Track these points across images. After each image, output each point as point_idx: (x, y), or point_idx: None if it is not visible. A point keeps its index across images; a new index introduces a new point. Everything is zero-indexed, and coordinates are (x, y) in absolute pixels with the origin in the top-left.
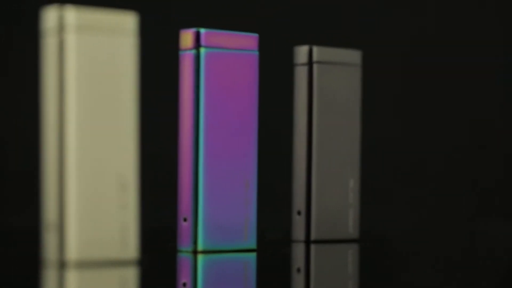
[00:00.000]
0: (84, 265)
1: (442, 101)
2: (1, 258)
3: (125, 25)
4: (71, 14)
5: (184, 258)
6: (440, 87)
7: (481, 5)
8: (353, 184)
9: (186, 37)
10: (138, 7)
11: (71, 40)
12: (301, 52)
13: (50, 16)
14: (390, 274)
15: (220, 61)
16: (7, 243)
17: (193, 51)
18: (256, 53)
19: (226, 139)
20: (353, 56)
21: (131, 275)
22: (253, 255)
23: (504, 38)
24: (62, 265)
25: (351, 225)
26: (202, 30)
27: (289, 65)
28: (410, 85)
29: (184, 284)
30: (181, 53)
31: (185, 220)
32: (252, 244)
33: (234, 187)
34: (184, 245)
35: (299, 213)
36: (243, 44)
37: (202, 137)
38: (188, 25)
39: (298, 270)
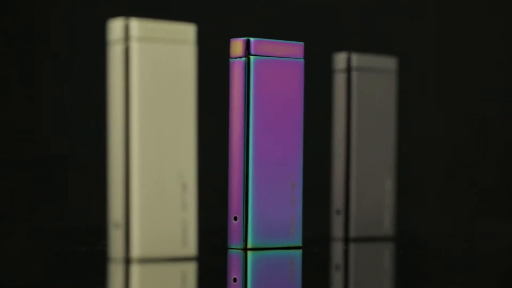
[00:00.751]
0: (147, 261)
1: (471, 104)
2: (71, 255)
3: (185, 35)
4: (135, 25)
5: (234, 254)
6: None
7: None
8: (389, 185)
9: (236, 46)
10: (189, 18)
11: (135, 48)
12: (340, 59)
13: (116, 27)
14: (424, 271)
15: (268, 68)
16: (75, 241)
17: (243, 59)
18: (302, 60)
19: (274, 142)
20: (389, 62)
21: (191, 271)
22: (299, 252)
23: None
24: (127, 261)
25: (387, 224)
26: (252, 39)
27: (328, 71)
28: (440, 90)
29: (235, 280)
30: (231, 60)
31: (235, 219)
32: (298, 241)
33: (281, 188)
34: (235, 243)
35: (338, 212)
36: (289, 52)
37: (251, 140)
38: (238, 34)
39: (337, 267)
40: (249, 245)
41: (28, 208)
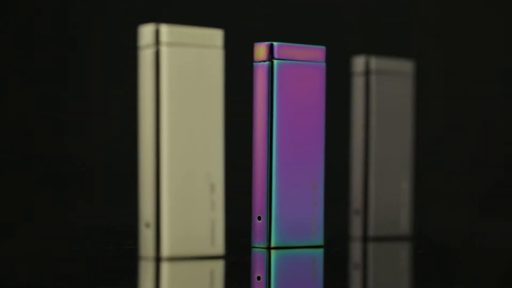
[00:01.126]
0: (177, 260)
1: (485, 107)
2: (103, 254)
3: (212, 39)
4: (165, 30)
5: (258, 253)
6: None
7: None
8: (405, 185)
9: (260, 50)
10: (214, 23)
11: (165, 53)
12: (359, 62)
13: (146, 33)
14: (440, 269)
15: (291, 72)
16: (109, 239)
17: (267, 63)
18: (324, 64)
19: (297, 144)
20: (407, 65)
21: (219, 269)
22: (321, 251)
23: None
24: (157, 260)
25: (404, 223)
26: (275, 43)
27: (346, 74)
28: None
29: (259, 278)
30: (255, 64)
31: (259, 218)
32: (320, 240)
33: (303, 188)
34: (258, 242)
35: (356, 211)
36: (311, 56)
37: (275, 142)
38: (261, 39)
39: (356, 266)
40: (273, 244)
41: (62, 207)
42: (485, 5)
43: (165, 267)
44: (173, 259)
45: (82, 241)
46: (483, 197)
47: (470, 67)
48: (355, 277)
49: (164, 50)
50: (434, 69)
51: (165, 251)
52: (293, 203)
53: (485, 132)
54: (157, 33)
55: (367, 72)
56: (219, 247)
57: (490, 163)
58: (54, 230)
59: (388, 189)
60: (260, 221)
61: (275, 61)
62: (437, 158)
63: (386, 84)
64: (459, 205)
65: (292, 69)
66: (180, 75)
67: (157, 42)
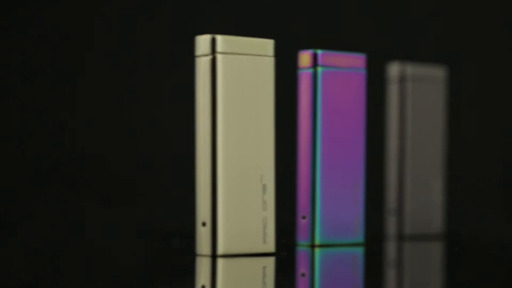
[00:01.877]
0: (231, 257)
1: None
2: (158, 253)
3: (264, 49)
4: (221, 40)
5: (302, 251)
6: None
7: None
8: (438, 185)
9: (304, 58)
10: (262, 33)
11: (220, 61)
12: (394, 69)
13: (203, 42)
14: (473, 267)
15: (334, 79)
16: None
17: (311, 70)
18: (364, 71)
19: (339, 147)
20: (439, 71)
21: (270, 266)
22: (361, 249)
23: None
24: (213, 257)
25: (437, 222)
26: (319, 51)
27: (382, 81)
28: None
29: (303, 274)
30: (299, 71)
31: (303, 218)
32: (361, 239)
33: (345, 189)
34: (303, 240)
35: (391, 211)
36: (352, 63)
37: (318, 145)
38: (303, 47)
39: (393, 263)
40: (317, 242)
41: (111, 210)
42: None
43: (220, 264)
44: (227, 256)
45: (136, 241)
46: None
47: (502, 72)
48: (393, 274)
49: (219, 59)
50: (466, 75)
51: (220, 249)
52: (335, 203)
53: None
54: (213, 42)
55: (402, 79)
56: (270, 245)
57: None
58: (107, 231)
59: (421, 189)
60: (304, 220)
61: (319, 68)
62: (469, 160)
63: (420, 89)
64: (491, 205)
65: (335, 76)
66: (234, 82)
67: (213, 51)
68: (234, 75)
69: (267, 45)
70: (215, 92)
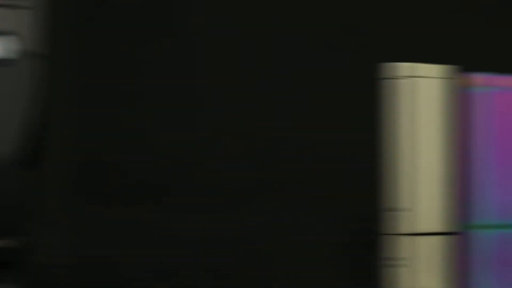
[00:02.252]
0: (415, 236)
1: None
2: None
3: (439, 73)
4: (403, 66)
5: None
6: None
7: None
8: None
9: (472, 80)
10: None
11: (402, 85)
12: None
13: (392, 69)
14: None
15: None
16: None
17: (483, 90)
18: None
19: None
20: None
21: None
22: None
23: None
24: (412, 235)
25: None
26: (489, 75)
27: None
28: None
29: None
30: (470, 91)
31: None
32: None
33: None
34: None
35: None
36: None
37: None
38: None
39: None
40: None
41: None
42: None
43: (418, 240)
44: (412, 235)
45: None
46: None
47: None
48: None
49: (402, 83)
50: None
51: (406, 228)
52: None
53: None
54: (400, 69)
55: None
56: (451, 225)
57: None
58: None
59: None
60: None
61: (490, 89)
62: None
63: None
64: None
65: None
66: (413, 102)
67: (403, 76)
68: (416, 98)
69: (442, 70)
70: (415, 115)
